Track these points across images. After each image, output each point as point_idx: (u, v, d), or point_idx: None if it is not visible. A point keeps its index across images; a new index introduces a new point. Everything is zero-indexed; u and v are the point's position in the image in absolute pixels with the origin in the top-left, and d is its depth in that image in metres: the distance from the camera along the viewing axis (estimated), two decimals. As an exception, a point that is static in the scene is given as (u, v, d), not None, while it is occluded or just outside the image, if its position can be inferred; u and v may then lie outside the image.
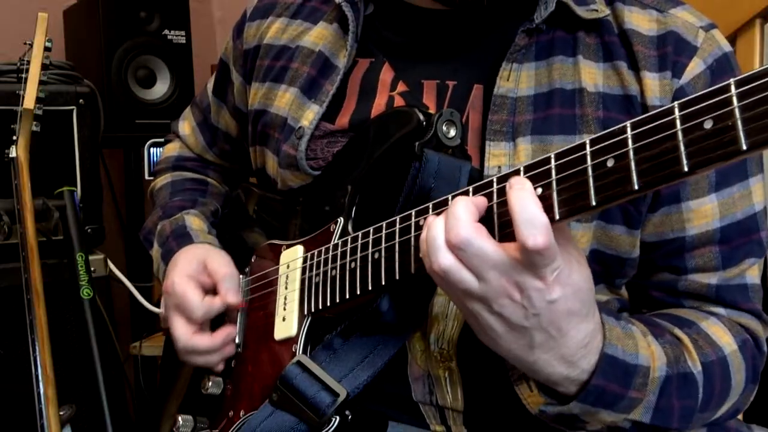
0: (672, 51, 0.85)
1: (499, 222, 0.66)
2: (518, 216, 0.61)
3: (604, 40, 0.87)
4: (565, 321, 0.67)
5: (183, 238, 1.06)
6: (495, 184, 0.67)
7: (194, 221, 1.09)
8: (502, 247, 0.64)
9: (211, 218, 1.13)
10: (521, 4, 0.88)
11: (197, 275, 0.98)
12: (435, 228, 0.66)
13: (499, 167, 0.84)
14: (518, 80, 0.87)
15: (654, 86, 0.84)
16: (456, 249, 0.64)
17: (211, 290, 0.98)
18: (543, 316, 0.66)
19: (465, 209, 0.65)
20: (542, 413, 0.77)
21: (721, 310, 0.88)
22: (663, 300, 0.90)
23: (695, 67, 0.85)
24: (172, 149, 1.27)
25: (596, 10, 0.87)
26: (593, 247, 0.84)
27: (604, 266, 0.86)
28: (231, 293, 0.96)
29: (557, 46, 0.88)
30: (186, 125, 1.26)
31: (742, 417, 1.10)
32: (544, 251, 0.61)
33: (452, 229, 0.64)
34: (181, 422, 0.97)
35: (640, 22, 0.87)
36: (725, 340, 0.84)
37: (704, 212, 0.85)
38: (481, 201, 0.67)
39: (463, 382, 0.86)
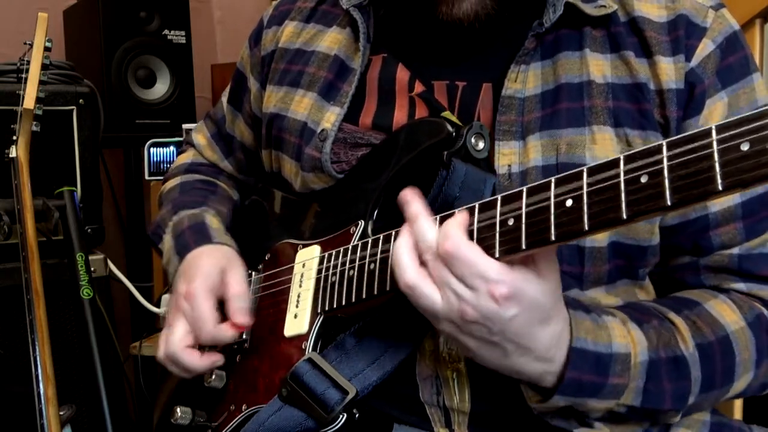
0: (684, 34, 0.86)
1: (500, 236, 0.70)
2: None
3: (610, 31, 0.88)
4: (528, 329, 0.71)
5: (200, 234, 1.04)
6: (525, 194, 0.68)
7: (213, 220, 1.08)
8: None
9: (227, 221, 1.13)
10: (529, 7, 0.89)
11: (217, 289, 0.96)
12: (397, 247, 0.73)
13: (509, 165, 0.85)
14: (526, 81, 0.88)
15: (669, 70, 0.85)
16: (446, 259, 0.70)
17: (221, 310, 0.97)
18: (506, 332, 0.70)
19: (409, 252, 0.73)
20: (540, 413, 0.80)
21: (740, 285, 0.88)
22: (684, 280, 0.90)
23: (704, 48, 0.86)
24: (186, 157, 1.28)
25: (604, 6, 0.88)
26: (612, 239, 0.85)
27: (625, 258, 0.87)
28: (240, 313, 0.93)
29: (563, 42, 0.89)
30: (200, 137, 1.27)
31: (742, 417, 1.10)
32: (454, 256, 0.69)
33: (399, 278, 0.72)
34: (179, 414, 0.98)
35: (650, 9, 0.88)
36: (730, 318, 0.84)
37: None
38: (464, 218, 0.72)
39: (471, 384, 0.86)
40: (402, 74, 0.95)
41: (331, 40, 1.02)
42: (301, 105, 1.01)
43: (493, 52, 0.91)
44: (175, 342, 0.94)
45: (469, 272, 0.68)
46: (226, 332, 0.93)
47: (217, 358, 0.95)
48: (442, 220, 0.74)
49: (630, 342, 0.78)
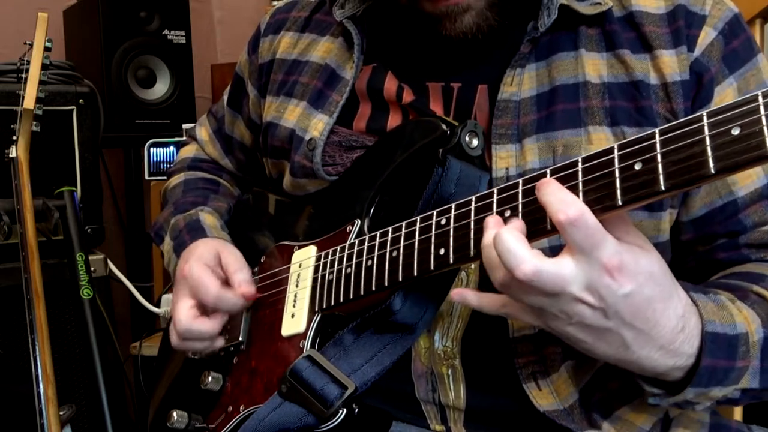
0: (684, 24, 0.86)
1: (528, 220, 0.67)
2: (551, 200, 0.62)
3: (605, 29, 0.88)
4: (648, 310, 0.66)
5: (196, 231, 1.06)
6: (521, 185, 0.68)
7: (208, 218, 1.10)
8: (560, 261, 0.63)
9: (226, 216, 1.14)
10: (525, 12, 0.89)
11: (213, 266, 0.98)
12: (505, 239, 0.63)
13: (507, 168, 0.85)
14: (521, 84, 0.88)
15: (672, 63, 0.85)
16: (527, 283, 0.63)
17: (224, 283, 0.98)
18: (623, 312, 0.65)
19: (518, 241, 0.63)
20: (655, 405, 0.76)
21: None
22: (729, 259, 0.89)
23: (706, 36, 0.86)
24: (189, 151, 1.29)
25: (599, 3, 0.87)
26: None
27: None
28: (245, 284, 0.95)
29: (558, 43, 0.89)
30: (203, 131, 1.28)
31: (741, 417, 1.10)
32: (576, 223, 0.61)
33: (516, 267, 0.63)
34: (175, 417, 0.98)
35: (647, 2, 0.88)
36: None
37: (748, 173, 0.85)
38: (519, 224, 0.66)
39: (466, 381, 0.86)
40: (390, 84, 0.95)
41: (323, 50, 1.03)
42: (292, 114, 1.02)
43: (489, 56, 0.91)
44: (183, 318, 0.95)
45: (589, 243, 0.62)
46: (231, 297, 0.94)
47: (223, 315, 0.96)
48: (458, 207, 0.73)
49: (745, 320, 0.76)
